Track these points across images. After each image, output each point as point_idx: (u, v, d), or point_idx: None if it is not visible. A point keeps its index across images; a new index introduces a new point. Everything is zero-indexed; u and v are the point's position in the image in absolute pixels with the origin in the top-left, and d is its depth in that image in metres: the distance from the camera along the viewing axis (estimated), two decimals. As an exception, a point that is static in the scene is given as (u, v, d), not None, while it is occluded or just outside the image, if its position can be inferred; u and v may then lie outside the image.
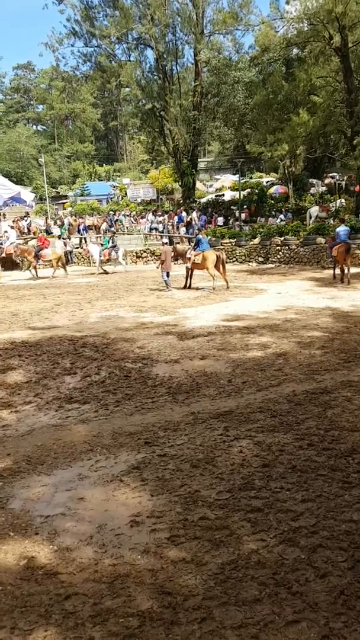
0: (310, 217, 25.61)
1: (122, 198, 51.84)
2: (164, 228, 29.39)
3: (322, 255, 20.81)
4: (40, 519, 4.24)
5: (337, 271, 17.01)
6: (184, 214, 29.56)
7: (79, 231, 30.14)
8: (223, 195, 39.84)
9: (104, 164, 79.64)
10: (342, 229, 16.98)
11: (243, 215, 29.33)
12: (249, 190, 33.09)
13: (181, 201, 34.22)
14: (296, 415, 6.09)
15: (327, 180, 34.13)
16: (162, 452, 5.30)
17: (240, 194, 31.06)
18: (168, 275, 16.66)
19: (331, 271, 17.64)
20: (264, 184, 37.69)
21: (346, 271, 16.28)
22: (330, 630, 2.99)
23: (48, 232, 30.05)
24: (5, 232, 26.93)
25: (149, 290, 16.63)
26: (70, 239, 26.79)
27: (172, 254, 17.44)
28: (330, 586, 3.32)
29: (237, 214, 30.22)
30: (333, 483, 4.57)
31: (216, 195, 40.97)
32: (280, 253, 22.26)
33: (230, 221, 29.65)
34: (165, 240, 18.90)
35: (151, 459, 5.17)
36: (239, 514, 4.16)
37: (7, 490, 4.73)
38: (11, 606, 3.28)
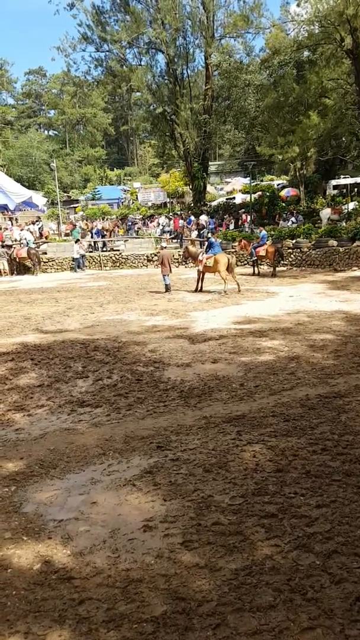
0: (322, 220, 25.49)
1: (132, 202, 52.07)
2: (173, 230, 29.40)
3: (334, 257, 20.70)
4: (53, 523, 4.25)
5: (259, 268, 20.42)
6: (192, 217, 29.56)
7: (92, 235, 30.26)
8: (234, 198, 39.82)
9: (115, 168, 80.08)
10: (263, 233, 20.76)
11: (248, 218, 29.19)
12: (260, 193, 33.02)
13: (192, 204, 34.25)
14: (310, 420, 6.04)
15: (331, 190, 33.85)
16: (174, 456, 5.28)
17: (251, 196, 30.98)
18: (167, 277, 16.82)
19: (255, 269, 20.49)
20: (275, 186, 37.58)
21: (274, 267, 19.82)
22: (346, 637, 2.96)
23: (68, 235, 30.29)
24: (28, 231, 27.27)
25: (159, 293, 16.63)
26: (82, 243, 26.87)
27: (185, 254, 17.52)
28: (346, 592, 3.29)
29: (244, 216, 30.11)
30: (348, 488, 4.52)
31: (227, 199, 40.96)
32: (292, 256, 22.14)
33: (243, 223, 29.54)
34: (164, 244, 18.86)
35: (164, 463, 5.16)
36: (253, 519, 4.13)
37: (21, 494, 4.74)
38: (25, 611, 3.28)
